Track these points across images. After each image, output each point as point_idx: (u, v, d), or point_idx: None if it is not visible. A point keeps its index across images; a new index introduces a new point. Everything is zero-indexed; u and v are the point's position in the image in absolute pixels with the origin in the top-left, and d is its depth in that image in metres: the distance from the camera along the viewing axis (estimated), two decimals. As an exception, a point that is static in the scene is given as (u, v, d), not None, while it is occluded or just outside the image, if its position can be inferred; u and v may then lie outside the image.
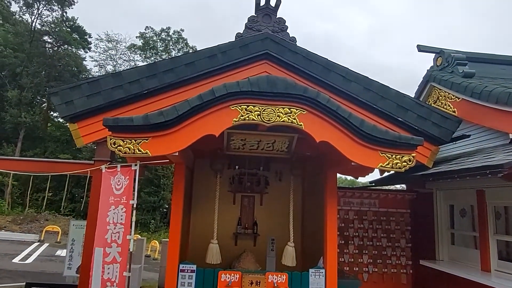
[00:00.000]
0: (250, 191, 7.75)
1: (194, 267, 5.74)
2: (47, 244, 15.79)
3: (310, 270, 5.89)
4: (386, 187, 8.15)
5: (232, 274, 5.69)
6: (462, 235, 6.76)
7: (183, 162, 6.05)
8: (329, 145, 5.04)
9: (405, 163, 5.04)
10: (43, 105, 30.65)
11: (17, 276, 9.48)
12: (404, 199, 7.88)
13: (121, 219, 4.72)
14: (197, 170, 7.77)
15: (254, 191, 7.78)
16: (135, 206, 4.75)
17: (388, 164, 5.02)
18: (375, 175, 7.36)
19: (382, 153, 5.02)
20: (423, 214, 7.56)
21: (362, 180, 8.24)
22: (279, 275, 5.76)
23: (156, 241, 15.72)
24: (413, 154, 5.03)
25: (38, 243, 15.98)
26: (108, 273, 4.58)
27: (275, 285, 5.69)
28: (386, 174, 7.83)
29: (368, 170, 6.71)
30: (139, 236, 10.45)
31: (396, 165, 5.02)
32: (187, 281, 5.67)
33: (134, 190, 4.86)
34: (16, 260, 12.54)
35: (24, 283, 7.56)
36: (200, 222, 7.57)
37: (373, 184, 7.98)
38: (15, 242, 15.91)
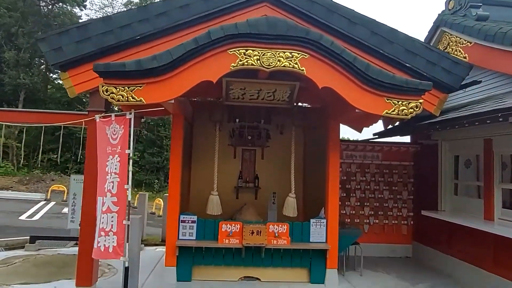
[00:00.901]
0: (250, 145, 7.57)
1: (195, 217, 5.68)
2: (54, 202, 15.99)
3: (311, 220, 5.83)
4: (389, 141, 7.92)
5: (233, 225, 5.64)
6: (465, 186, 6.63)
7: (181, 113, 5.82)
8: (333, 92, 4.76)
9: (412, 110, 4.77)
10: (42, 66, 30.00)
11: (24, 231, 9.59)
12: (408, 151, 7.69)
13: (116, 168, 4.56)
14: (196, 123, 7.55)
15: (255, 145, 7.59)
16: (131, 155, 4.58)
17: (394, 111, 4.76)
18: (378, 127, 7.12)
19: (388, 99, 4.75)
20: (426, 166, 7.40)
21: (364, 136, 8.03)
22: (280, 225, 5.71)
23: (161, 199, 15.86)
24: (420, 100, 4.76)
25: (45, 201, 16.19)
26: (102, 222, 4.49)
27: (276, 235, 5.65)
28: (390, 126, 7.62)
29: (372, 119, 6.46)
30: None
31: (402, 111, 4.76)
32: (188, 231, 5.64)
33: (130, 140, 4.66)
34: (23, 217, 12.73)
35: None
36: (201, 175, 7.46)
37: (377, 136, 7.77)
38: (22, 201, 16.13)
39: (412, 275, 6.45)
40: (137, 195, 10.38)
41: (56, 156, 25.04)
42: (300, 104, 6.79)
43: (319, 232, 5.80)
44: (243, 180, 7.61)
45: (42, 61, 29.70)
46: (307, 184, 7.55)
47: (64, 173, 23.42)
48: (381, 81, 4.64)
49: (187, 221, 5.64)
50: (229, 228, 5.61)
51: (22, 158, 24.76)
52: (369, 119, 6.32)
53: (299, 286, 5.64)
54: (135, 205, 11.64)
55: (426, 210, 6.70)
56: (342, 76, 4.71)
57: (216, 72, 4.63)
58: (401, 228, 7.67)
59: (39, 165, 24.28)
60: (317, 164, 6.92)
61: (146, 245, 7.85)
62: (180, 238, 5.60)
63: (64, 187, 17.97)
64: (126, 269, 4.43)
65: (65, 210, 14.39)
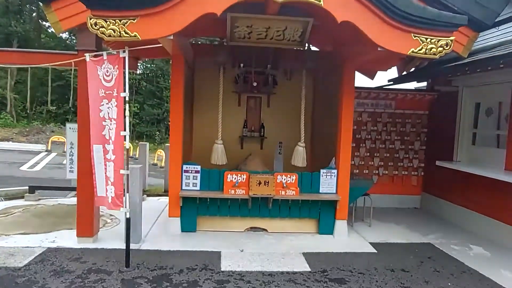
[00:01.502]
0: (256, 92, 7.04)
1: (198, 167, 5.32)
2: (55, 153, 15.75)
3: (322, 170, 5.48)
4: (404, 88, 7.35)
5: (239, 175, 5.29)
6: (484, 136, 6.21)
7: (182, 54, 5.23)
8: (352, 28, 4.15)
9: (441, 49, 4.20)
10: (34, 14, 28.42)
11: (25, 181, 9.37)
12: (423, 99, 7.18)
13: (112, 114, 4.10)
14: (198, 68, 6.96)
15: (261, 92, 7.06)
16: (127, 99, 4.10)
17: (421, 50, 4.19)
18: (391, 74, 6.53)
19: (415, 36, 4.16)
20: (443, 115, 6.93)
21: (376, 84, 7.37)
22: (289, 175, 5.37)
23: (162, 150, 15.59)
24: (451, 38, 4.17)
25: (46, 152, 15.95)
26: (99, 172, 4.13)
27: (284, 185, 5.33)
28: (404, 73, 7.04)
29: (391, 61, 5.90)
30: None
31: (430, 50, 4.20)
32: (191, 181, 5.31)
33: (125, 82, 4.14)
34: (24, 168, 12.52)
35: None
36: (204, 124, 7.02)
37: (391, 83, 7.21)
38: (23, 152, 15.89)
39: (422, 225, 6.25)
40: (138, 146, 10.02)
41: (55, 107, 24.59)
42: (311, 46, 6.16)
43: (329, 183, 5.48)
44: (248, 130, 7.18)
45: (33, 7, 28.13)
46: (315, 134, 7.13)
47: (63, 125, 23.00)
48: (409, 14, 4.02)
49: (190, 171, 5.29)
50: (235, 179, 5.28)
51: (27, 109, 24.25)
52: (389, 61, 5.77)
53: (307, 237, 5.43)
54: (136, 156, 11.40)
55: (440, 160, 6.33)
56: (364, 8, 4.08)
57: (221, 3, 3.99)
58: (410, 179, 7.38)
59: (38, 117, 23.83)
60: (327, 113, 6.45)
61: (148, 195, 7.62)
62: (183, 188, 5.28)
63: (64, 138, 17.62)
64: (128, 220, 4.13)
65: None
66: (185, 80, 5.55)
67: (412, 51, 4.19)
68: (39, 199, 7.09)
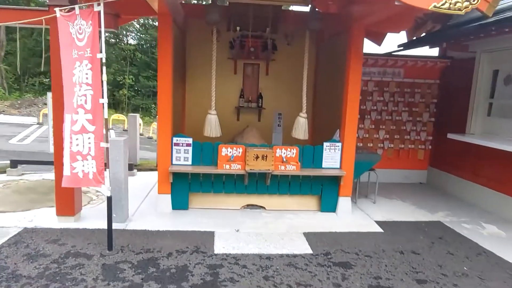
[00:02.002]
0: (254, 58, 6.43)
1: (190, 140, 4.81)
2: (47, 126, 15.14)
3: (325, 144, 4.99)
4: (415, 54, 6.71)
5: (235, 148, 4.80)
6: (501, 106, 5.68)
7: (170, 13, 4.60)
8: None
9: (468, 3, 3.59)
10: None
11: (13, 155, 8.88)
12: (435, 67, 6.58)
13: (87, 78, 3.54)
14: (190, 31, 6.31)
15: (259, 58, 6.46)
16: (104, 61, 3.53)
17: (444, 4, 3.57)
18: (400, 39, 5.89)
19: (438, -13, 3.54)
20: (455, 83, 6.37)
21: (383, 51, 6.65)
22: (289, 149, 4.88)
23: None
24: (480, -11, 3.56)
25: (38, 125, 15.35)
26: (77, 144, 3.62)
27: (284, 160, 4.85)
28: (414, 38, 6.40)
29: (405, 22, 5.26)
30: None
31: (455, 5, 3.58)
32: (182, 155, 4.81)
33: (101, 42, 3.56)
34: (13, 141, 11.99)
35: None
36: (197, 94, 6.46)
37: (401, 48, 6.59)
38: (14, 124, 15.29)
39: (429, 202, 5.84)
40: (127, 117, 9.46)
41: (48, 80, 23.73)
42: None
43: (333, 157, 5.00)
44: (245, 100, 6.63)
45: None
46: (317, 104, 6.59)
47: (57, 97, 22.21)
48: (433, -41, 3.40)
49: (181, 144, 4.79)
50: (230, 152, 4.79)
51: (20, 80, 23.43)
52: (401, 21, 5.13)
53: (308, 215, 5.01)
54: (125, 128, 10.86)
55: (450, 133, 5.83)
56: (380, -47, 3.44)
57: None
58: (417, 153, 6.91)
59: (30, 89, 23.05)
60: (331, 81, 5.89)
61: (140, 170, 7.16)
62: (173, 163, 4.80)
63: (56, 111, 16.96)
64: (109, 199, 3.66)
65: (58, 134, 13.62)
66: (175, 43, 4.94)
67: (434, 6, 3.57)
68: (22, 174, 6.61)
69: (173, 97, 4.89)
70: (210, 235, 4.20)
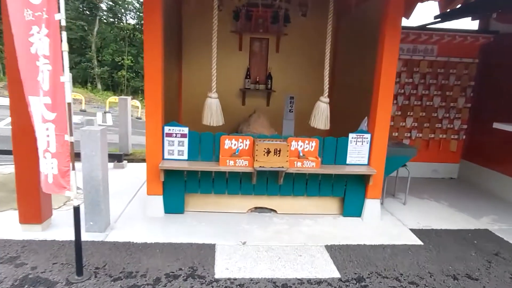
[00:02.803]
0: (262, 31, 5.42)
1: (185, 129, 3.88)
2: (40, 109, 14.22)
3: (350, 135, 4.05)
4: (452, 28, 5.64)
5: (241, 140, 3.87)
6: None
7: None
8: None
9: None
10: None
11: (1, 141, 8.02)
12: (475, 43, 5.55)
13: (43, 48, 2.60)
14: (187, 3, 5.29)
15: (268, 32, 5.44)
16: (63, 24, 2.57)
17: None
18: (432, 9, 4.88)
19: None
20: (500, 62, 5.35)
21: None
22: (307, 141, 3.94)
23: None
24: None
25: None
26: (38, 137, 2.72)
27: (301, 154, 3.93)
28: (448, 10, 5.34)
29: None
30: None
31: None
32: (176, 148, 3.89)
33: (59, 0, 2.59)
34: (1, 125, 11.10)
35: None
36: (195, 75, 5.49)
37: (439, 19, 5.55)
38: (5, 107, 14.36)
39: (467, 203, 4.94)
40: (116, 99, 8.48)
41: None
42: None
43: (360, 151, 4.07)
44: (251, 81, 5.65)
45: None
46: (335, 88, 5.61)
47: (54, 78, 21.20)
48: None
49: (174, 135, 3.86)
50: (234, 145, 3.86)
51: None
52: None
53: (328, 220, 4.13)
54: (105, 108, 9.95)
55: (491, 121, 4.86)
56: None
57: None
58: (449, 143, 5.96)
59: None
60: (355, 60, 4.91)
61: (131, 160, 6.25)
62: (165, 158, 3.89)
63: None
64: (76, 211, 2.76)
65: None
66: (166, 12, 3.95)
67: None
68: (-3, 165, 5.74)
69: (164, 77, 3.93)
70: (209, 250, 3.32)
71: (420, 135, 5.87)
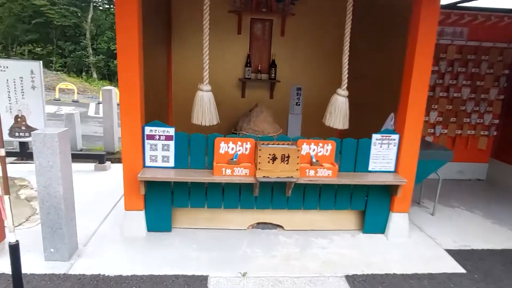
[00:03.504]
0: (265, 11, 4.59)
1: (171, 130, 3.10)
2: (30, 100, 13.42)
3: (374, 136, 3.27)
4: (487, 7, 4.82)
5: (239, 143, 3.10)
6: None
7: None
8: None
9: None
10: None
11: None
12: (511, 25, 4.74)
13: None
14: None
15: (272, 12, 4.61)
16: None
17: None
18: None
19: None
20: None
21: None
22: (321, 144, 3.18)
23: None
24: None
25: (20, 99, 13.64)
26: None
27: (314, 160, 3.16)
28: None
29: None
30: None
31: None
32: (160, 154, 3.12)
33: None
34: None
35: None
36: (188, 64, 4.68)
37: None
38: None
39: (506, 212, 4.19)
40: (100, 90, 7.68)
41: (40, 48, 21.73)
42: None
43: (385, 156, 3.30)
44: (252, 69, 4.85)
45: None
46: (349, 78, 4.79)
47: (47, 68, 20.41)
48: None
49: (157, 137, 3.08)
50: (232, 149, 3.10)
51: (8, 49, 21.41)
52: None
53: (345, 239, 3.38)
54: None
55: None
56: None
57: None
58: (478, 140, 5.19)
59: (14, 54, 21.05)
60: (377, 45, 4.10)
61: (116, 160, 5.48)
62: (147, 165, 3.12)
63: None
64: (13, 250, 2.00)
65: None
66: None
67: None
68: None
69: (147, 65, 3.15)
70: (200, 285, 2.59)
71: (446, 131, 5.09)
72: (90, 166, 5.02)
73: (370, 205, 3.40)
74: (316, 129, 4.93)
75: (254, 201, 3.31)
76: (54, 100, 13.96)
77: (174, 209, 3.30)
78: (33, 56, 21.70)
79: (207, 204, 3.28)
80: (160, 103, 4.35)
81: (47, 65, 20.88)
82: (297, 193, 3.30)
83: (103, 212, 3.62)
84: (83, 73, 20.84)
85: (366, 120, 3.98)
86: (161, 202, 3.21)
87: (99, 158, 4.89)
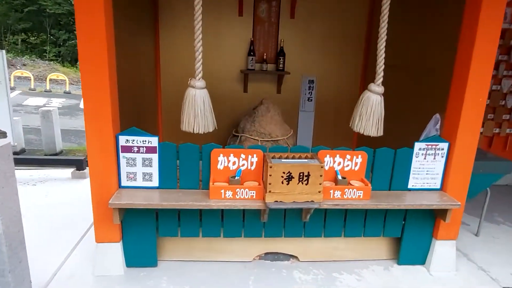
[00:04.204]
0: (272, -13, 3.80)
1: (153, 140, 2.34)
2: (19, 91, 12.61)
3: (417, 144, 2.52)
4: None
5: (243, 156, 2.36)
6: None
7: None
8: None
9: None
10: None
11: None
12: None
13: None
14: None
15: (281, -12, 3.82)
16: None
17: None
18: None
19: None
20: None
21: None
22: (349, 156, 2.43)
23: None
24: None
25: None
26: None
27: (340, 177, 2.42)
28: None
29: None
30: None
31: None
32: (140, 170, 2.37)
33: None
34: (-32, 111, 9.53)
35: None
36: (179, 53, 3.91)
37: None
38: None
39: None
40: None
41: (34, 37, 20.81)
42: None
43: (430, 170, 2.55)
44: (256, 59, 4.07)
45: None
46: (371, 70, 4.03)
47: (41, 57, 19.54)
48: None
49: (135, 149, 2.33)
50: (234, 164, 2.36)
51: (1, 38, 20.49)
52: None
53: (376, 272, 2.66)
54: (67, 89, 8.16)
55: None
56: None
57: None
58: (518, 140, 4.44)
59: (12, 49, 20.17)
60: (406, 29, 3.32)
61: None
62: (122, 185, 2.38)
63: (29, 73, 14.41)
64: None
65: (28, 101, 11.17)
66: None
67: None
68: None
69: (125, 54, 2.39)
70: None
71: (481, 129, 4.33)
72: (66, 173, 4.28)
73: (408, 230, 2.67)
74: (330, 129, 4.19)
75: (261, 227, 2.58)
76: (45, 91, 13.13)
77: (160, 239, 2.57)
78: (27, 46, 20.82)
79: (202, 232, 2.55)
80: (145, 103, 3.59)
81: (41, 55, 20.04)
82: (316, 217, 2.57)
83: (71, 241, 2.87)
84: (78, 63, 20.01)
85: (398, 123, 3.23)
86: (143, 230, 2.48)
87: (77, 164, 4.13)
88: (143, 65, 3.50)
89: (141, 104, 3.40)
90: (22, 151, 5.38)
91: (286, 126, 3.69)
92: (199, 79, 2.26)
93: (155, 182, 2.39)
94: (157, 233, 2.51)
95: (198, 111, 2.26)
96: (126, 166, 2.34)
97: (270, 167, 2.17)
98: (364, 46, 4.15)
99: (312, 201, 2.26)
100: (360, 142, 4.15)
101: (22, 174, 4.30)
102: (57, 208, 3.44)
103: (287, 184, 2.21)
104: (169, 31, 3.90)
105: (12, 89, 13.09)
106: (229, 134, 3.65)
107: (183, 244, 2.61)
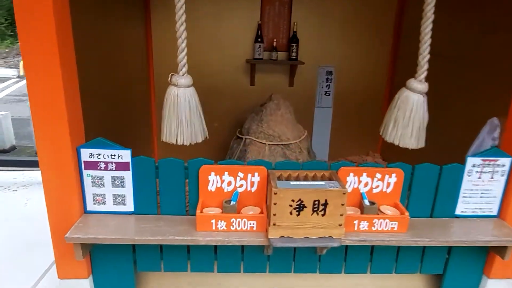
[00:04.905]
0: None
1: (125, 153, 1.81)
2: (27, 81, 12.28)
3: (471, 160, 1.91)
4: None
5: (241, 174, 1.81)
6: None
7: None
8: None
9: None
10: None
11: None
12: None
13: None
14: None
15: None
16: None
17: None
18: None
19: None
20: None
21: None
22: (379, 174, 1.85)
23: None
24: None
25: (17, 79, 12.50)
26: None
27: (367, 202, 1.84)
28: None
29: None
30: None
31: None
32: (110, 192, 1.84)
33: None
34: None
35: None
36: (176, 44, 3.35)
37: None
38: (-11, 77, 12.49)
39: None
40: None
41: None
42: None
43: (485, 192, 1.95)
44: (265, 46, 3.47)
45: None
46: (401, 61, 3.40)
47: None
48: None
49: (102, 165, 1.81)
50: (229, 185, 1.81)
51: (14, 26, 20.28)
52: None
53: (410, 316, 2.11)
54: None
55: None
56: None
57: None
58: None
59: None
60: (448, 11, 2.67)
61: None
62: (88, 210, 1.88)
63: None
64: None
65: None
66: None
67: None
68: None
69: (95, 45, 1.86)
70: None
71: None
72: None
73: (453, 266, 2.09)
74: (351, 129, 3.59)
75: (266, 261, 2.05)
76: (19, 77, 12.38)
77: (139, 274, 2.08)
78: None
79: (191, 266, 2.03)
80: (130, 105, 3.07)
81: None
82: (335, 249, 2.02)
83: (32, 276, 2.38)
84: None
85: (439, 129, 2.60)
86: (117, 265, 1.98)
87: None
88: (129, 58, 2.96)
89: (125, 106, 2.87)
90: (12, 148, 4.96)
91: (299, 127, 3.12)
92: (183, 75, 1.71)
93: (129, 207, 1.87)
94: (135, 267, 2.01)
95: (182, 117, 1.72)
96: (92, 186, 1.83)
97: (275, 193, 1.62)
98: (393, 31, 3.49)
99: (330, 236, 1.71)
100: (387, 149, 3.55)
101: (6, 176, 3.88)
102: (35, 220, 2.98)
103: (297, 215, 1.66)
104: (163, 15, 3.33)
105: (21, 78, 12.81)
106: (231, 136, 3.10)
107: (168, 279, 2.11)
